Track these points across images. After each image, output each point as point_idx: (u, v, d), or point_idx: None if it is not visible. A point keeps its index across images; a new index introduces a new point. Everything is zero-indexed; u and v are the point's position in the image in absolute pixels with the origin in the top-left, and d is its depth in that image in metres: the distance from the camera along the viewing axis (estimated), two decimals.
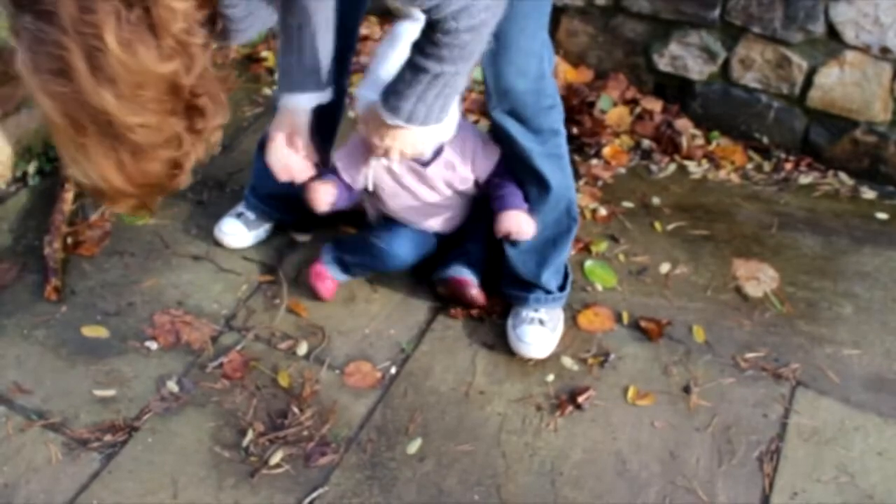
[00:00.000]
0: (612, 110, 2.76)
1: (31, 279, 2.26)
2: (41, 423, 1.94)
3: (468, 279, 2.15)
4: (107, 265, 2.31)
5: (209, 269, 2.30)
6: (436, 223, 2.20)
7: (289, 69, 1.87)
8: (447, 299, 2.22)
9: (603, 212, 2.51)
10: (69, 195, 2.45)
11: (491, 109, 1.87)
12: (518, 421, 1.99)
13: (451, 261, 2.18)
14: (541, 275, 2.08)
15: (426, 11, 1.47)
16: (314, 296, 2.22)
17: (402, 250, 2.17)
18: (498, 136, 1.95)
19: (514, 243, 2.08)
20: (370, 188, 2.08)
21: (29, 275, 2.27)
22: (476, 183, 2.13)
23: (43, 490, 1.83)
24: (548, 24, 1.82)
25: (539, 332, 2.09)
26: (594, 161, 2.66)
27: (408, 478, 1.88)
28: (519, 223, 2.01)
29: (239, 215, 2.36)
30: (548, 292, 2.11)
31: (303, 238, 2.41)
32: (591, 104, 2.76)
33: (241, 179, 2.44)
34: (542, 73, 1.82)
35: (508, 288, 2.16)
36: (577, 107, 2.73)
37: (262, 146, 2.28)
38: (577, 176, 2.54)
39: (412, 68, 1.58)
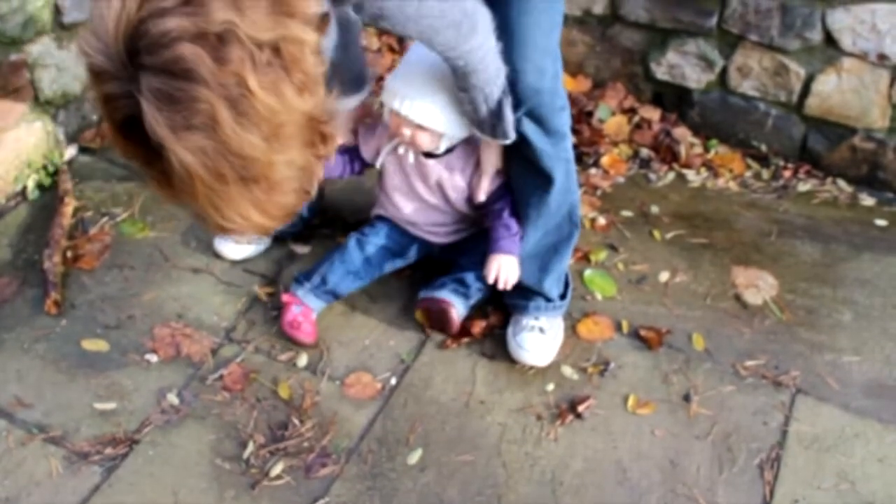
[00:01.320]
0: (610, 119, 2.77)
1: (30, 293, 2.26)
2: (42, 437, 1.94)
3: (450, 300, 2.13)
4: (107, 278, 2.31)
5: (209, 282, 2.31)
6: (423, 223, 2.20)
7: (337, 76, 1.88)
8: (428, 325, 2.21)
9: (602, 221, 2.51)
10: (68, 209, 2.45)
11: None
12: (518, 430, 1.99)
13: (440, 285, 2.17)
14: (543, 281, 2.09)
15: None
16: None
17: (378, 240, 2.21)
18: (512, 144, 1.95)
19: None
20: (378, 165, 2.16)
21: (29, 289, 2.28)
22: (470, 202, 2.12)
23: (44, 503, 1.83)
24: (561, 24, 1.84)
25: (539, 339, 2.09)
26: (593, 170, 2.66)
27: (408, 488, 1.88)
28: (506, 269, 2.04)
29: None
30: (548, 300, 2.12)
31: (302, 249, 2.41)
32: (590, 113, 2.76)
33: None
34: (556, 73, 1.86)
35: (509, 297, 2.16)
36: (575, 116, 2.72)
37: None
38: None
39: (468, 102, 1.80)
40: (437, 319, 2.15)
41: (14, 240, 2.42)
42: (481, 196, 2.06)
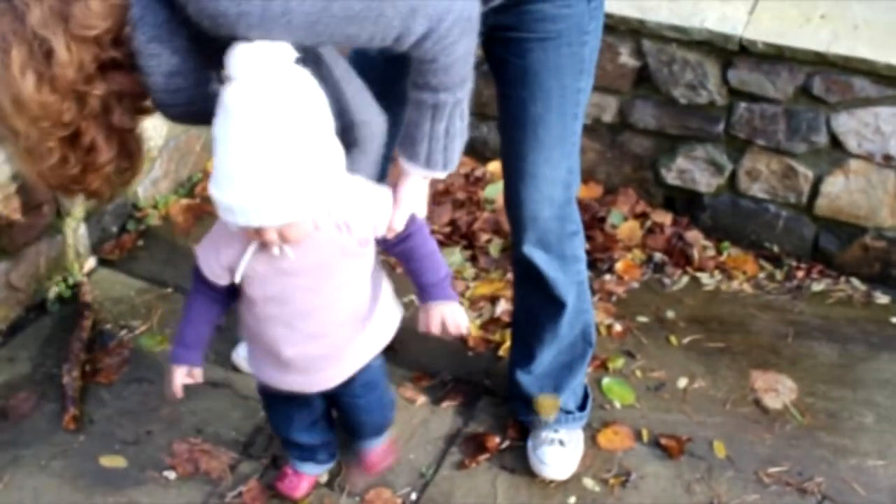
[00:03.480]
0: (622, 225, 2.79)
1: (49, 408, 2.27)
2: None
3: (374, 451, 2.03)
4: (125, 393, 2.32)
5: (227, 396, 2.30)
6: (317, 347, 1.74)
7: None
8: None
9: (618, 327, 2.51)
10: (88, 322, 2.47)
11: (520, 246, 1.89)
12: None
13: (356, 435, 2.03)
14: (558, 398, 2.08)
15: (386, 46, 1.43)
16: None
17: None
18: (523, 270, 1.96)
19: (527, 370, 2.09)
20: (237, 280, 1.64)
21: (47, 404, 2.28)
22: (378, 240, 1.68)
23: None
24: (577, 151, 1.84)
25: (559, 452, 2.08)
26: (607, 276, 2.67)
27: None
28: (452, 317, 1.70)
29: None
30: (567, 412, 2.11)
31: None
32: (602, 219, 2.79)
33: None
34: (568, 200, 1.86)
35: (525, 414, 2.15)
36: (588, 222, 2.74)
37: None
38: (591, 292, 2.55)
39: (414, 105, 1.55)
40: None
41: (33, 353, 2.43)
42: (396, 226, 1.63)
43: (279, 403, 1.92)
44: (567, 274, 1.93)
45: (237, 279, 1.63)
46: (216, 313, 1.76)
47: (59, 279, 2.61)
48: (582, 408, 2.14)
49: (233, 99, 1.39)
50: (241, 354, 2.35)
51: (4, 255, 2.44)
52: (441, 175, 1.62)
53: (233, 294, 1.71)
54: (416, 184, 1.63)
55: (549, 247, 1.88)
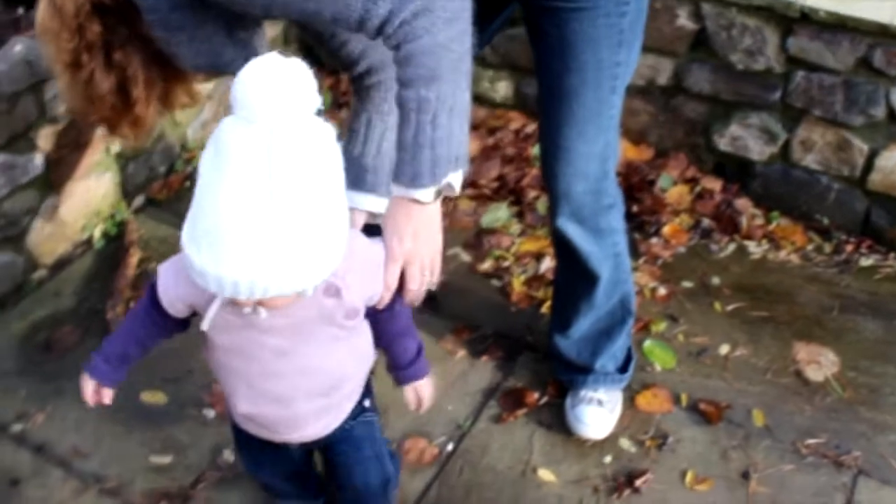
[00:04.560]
0: (672, 189, 2.77)
1: (93, 343, 2.29)
2: (98, 488, 1.97)
3: None
4: None
5: None
6: (292, 414, 1.52)
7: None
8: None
9: (662, 291, 2.49)
10: (133, 260, 2.50)
11: (555, 218, 1.87)
12: (574, 502, 1.97)
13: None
14: (595, 362, 2.08)
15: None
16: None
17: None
18: (558, 241, 1.94)
19: (564, 335, 2.08)
20: (205, 328, 1.41)
21: (91, 339, 2.31)
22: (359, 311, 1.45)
23: None
24: (616, 125, 1.79)
25: (597, 412, 2.08)
26: (654, 240, 2.65)
27: None
28: (421, 396, 1.60)
29: None
30: (606, 374, 2.10)
31: None
32: (652, 182, 2.76)
33: None
34: (604, 174, 1.82)
35: (564, 374, 2.15)
36: (637, 184, 2.73)
37: None
38: (636, 255, 2.53)
39: (399, 108, 1.41)
40: None
41: (79, 288, 2.46)
42: (389, 280, 1.43)
43: (249, 443, 1.63)
44: (602, 247, 1.90)
45: (205, 327, 1.39)
46: (154, 340, 1.54)
47: (107, 216, 2.64)
48: (623, 370, 2.12)
49: (234, 140, 1.14)
50: None
51: (52, 190, 2.46)
52: (414, 194, 1.41)
53: (184, 324, 1.51)
54: (401, 206, 1.44)
55: (584, 221, 1.84)
